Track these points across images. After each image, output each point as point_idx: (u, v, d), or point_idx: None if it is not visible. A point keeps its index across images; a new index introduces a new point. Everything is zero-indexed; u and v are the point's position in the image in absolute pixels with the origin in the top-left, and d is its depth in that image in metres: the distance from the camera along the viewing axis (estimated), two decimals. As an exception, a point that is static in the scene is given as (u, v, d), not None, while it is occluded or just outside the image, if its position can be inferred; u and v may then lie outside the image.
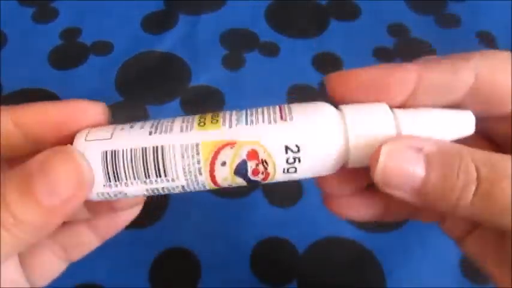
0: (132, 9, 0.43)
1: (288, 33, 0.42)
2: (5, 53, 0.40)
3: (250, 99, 0.36)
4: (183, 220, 0.31)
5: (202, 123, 0.16)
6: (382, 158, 0.15)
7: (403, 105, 0.17)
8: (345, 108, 0.16)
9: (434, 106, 0.17)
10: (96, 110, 0.17)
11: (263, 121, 0.16)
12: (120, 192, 0.16)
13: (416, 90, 0.16)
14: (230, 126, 0.16)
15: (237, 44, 0.41)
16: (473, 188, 0.15)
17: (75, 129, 0.17)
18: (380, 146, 0.15)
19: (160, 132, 0.16)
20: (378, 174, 0.15)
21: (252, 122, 0.16)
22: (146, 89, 0.38)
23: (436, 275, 0.29)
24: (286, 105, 0.16)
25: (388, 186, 0.16)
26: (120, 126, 0.17)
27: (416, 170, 0.15)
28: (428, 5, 0.44)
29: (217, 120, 0.16)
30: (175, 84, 0.38)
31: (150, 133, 0.16)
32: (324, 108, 0.16)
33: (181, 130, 0.16)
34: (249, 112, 0.16)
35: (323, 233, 0.30)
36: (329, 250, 0.30)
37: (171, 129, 0.16)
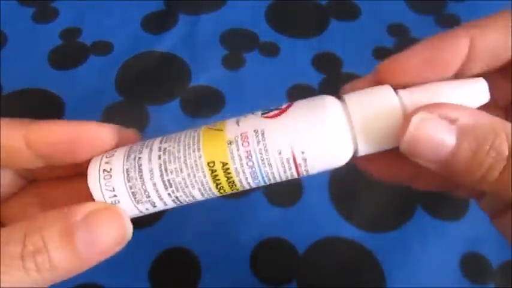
0: (132, 9, 0.43)
1: (288, 33, 0.42)
2: (5, 53, 0.40)
3: (250, 99, 0.37)
4: (183, 220, 0.31)
5: (222, 190, 0.17)
6: (411, 128, 0.15)
7: (458, 73, 0.17)
8: (354, 119, 0.16)
9: (490, 69, 0.17)
10: (106, 133, 0.18)
11: (281, 180, 0.17)
12: None
13: (469, 55, 0.16)
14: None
15: (237, 44, 0.41)
16: (502, 165, 0.14)
17: (84, 150, 0.18)
18: (410, 114, 0.15)
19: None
20: (405, 143, 0.15)
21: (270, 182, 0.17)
22: (146, 89, 0.38)
23: (436, 275, 0.29)
24: (301, 158, 0.16)
25: (414, 156, 0.15)
26: (139, 202, 0.17)
27: (447, 140, 0.15)
28: (428, 5, 0.44)
29: (237, 190, 0.17)
30: (175, 84, 0.38)
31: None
32: (340, 151, 0.16)
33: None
34: (263, 173, 0.16)
35: (323, 233, 0.30)
36: (329, 250, 0.30)
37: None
